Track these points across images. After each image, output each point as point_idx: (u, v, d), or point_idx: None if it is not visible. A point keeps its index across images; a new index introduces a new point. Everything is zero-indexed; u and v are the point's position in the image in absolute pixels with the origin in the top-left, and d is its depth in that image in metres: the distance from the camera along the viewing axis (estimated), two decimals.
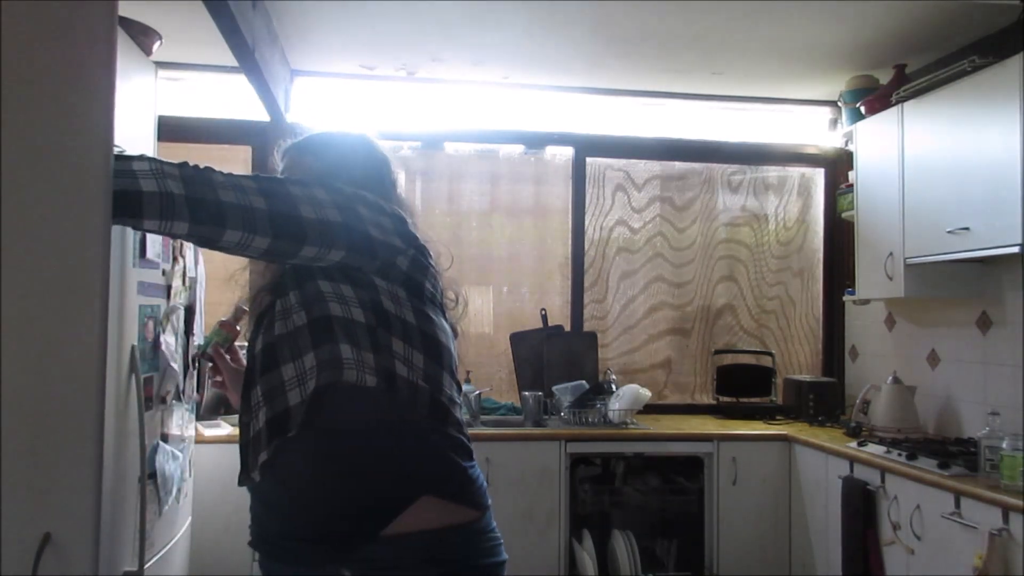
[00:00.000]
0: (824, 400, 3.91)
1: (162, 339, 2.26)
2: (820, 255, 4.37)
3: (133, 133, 2.58)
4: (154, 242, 2.21)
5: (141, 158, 1.25)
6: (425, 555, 1.29)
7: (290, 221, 1.28)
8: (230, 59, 2.93)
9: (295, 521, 1.33)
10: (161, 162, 1.25)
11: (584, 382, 3.83)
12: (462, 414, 1.45)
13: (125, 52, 2.52)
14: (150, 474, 2.19)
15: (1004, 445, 2.50)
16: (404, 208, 1.54)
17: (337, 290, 1.35)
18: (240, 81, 3.38)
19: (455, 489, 1.35)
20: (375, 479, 1.30)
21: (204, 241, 1.27)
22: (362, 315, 1.34)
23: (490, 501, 1.41)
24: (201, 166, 1.28)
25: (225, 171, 1.29)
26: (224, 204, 1.24)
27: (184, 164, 1.26)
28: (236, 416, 3.37)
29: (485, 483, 1.42)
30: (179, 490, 2.45)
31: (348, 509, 1.29)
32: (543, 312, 4.09)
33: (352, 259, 1.35)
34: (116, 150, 1.27)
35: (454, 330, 1.53)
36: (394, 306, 1.37)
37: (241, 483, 1.41)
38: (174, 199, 1.21)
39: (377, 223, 1.37)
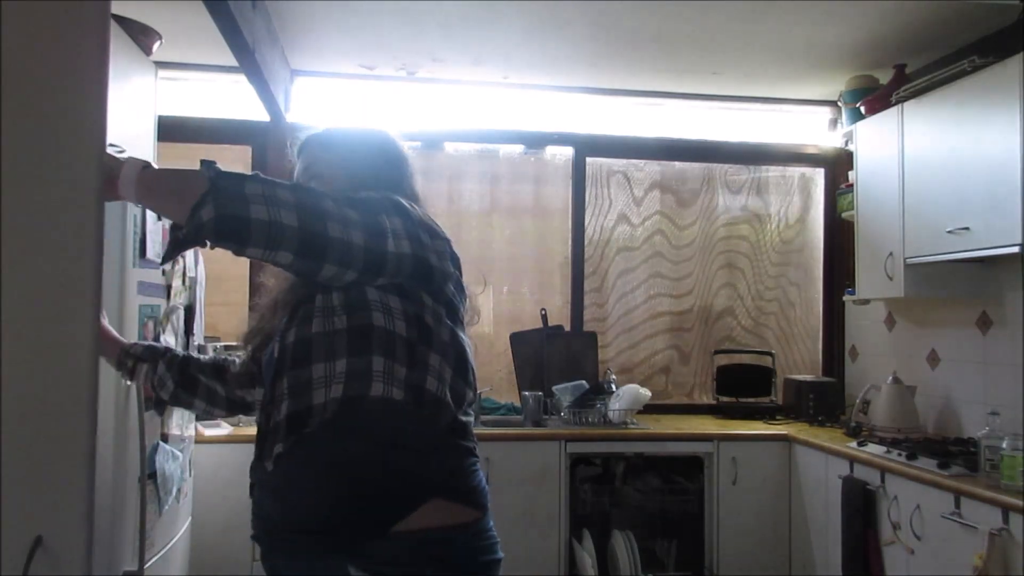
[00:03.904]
0: (824, 400, 3.91)
1: (162, 339, 2.26)
2: (820, 255, 4.36)
3: (133, 133, 2.58)
4: (154, 242, 2.21)
5: (253, 178, 1.23)
6: (427, 552, 1.31)
7: (378, 257, 1.31)
8: (230, 59, 2.93)
9: (303, 513, 1.34)
10: (273, 185, 1.23)
11: (584, 382, 3.83)
12: (473, 420, 1.49)
13: (125, 52, 2.52)
14: (150, 474, 2.19)
15: (1004, 445, 2.50)
16: (422, 205, 1.55)
17: (384, 300, 1.36)
18: (240, 81, 3.38)
19: (460, 491, 1.37)
20: (386, 483, 1.32)
21: (300, 273, 1.29)
22: (404, 328, 1.36)
23: (489, 502, 1.43)
24: (305, 187, 1.28)
25: (329, 196, 1.28)
26: (330, 239, 1.24)
27: (296, 189, 1.25)
28: (236, 416, 3.37)
29: (486, 484, 1.44)
30: (179, 490, 2.45)
31: (355, 507, 1.31)
32: (543, 312, 4.09)
33: (409, 283, 1.38)
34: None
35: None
36: (434, 323, 1.40)
37: (253, 470, 1.42)
38: (285, 230, 1.21)
39: (436, 249, 1.41)
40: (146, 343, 1.72)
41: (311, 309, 1.39)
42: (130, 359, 1.65)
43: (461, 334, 1.47)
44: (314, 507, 1.33)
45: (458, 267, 1.49)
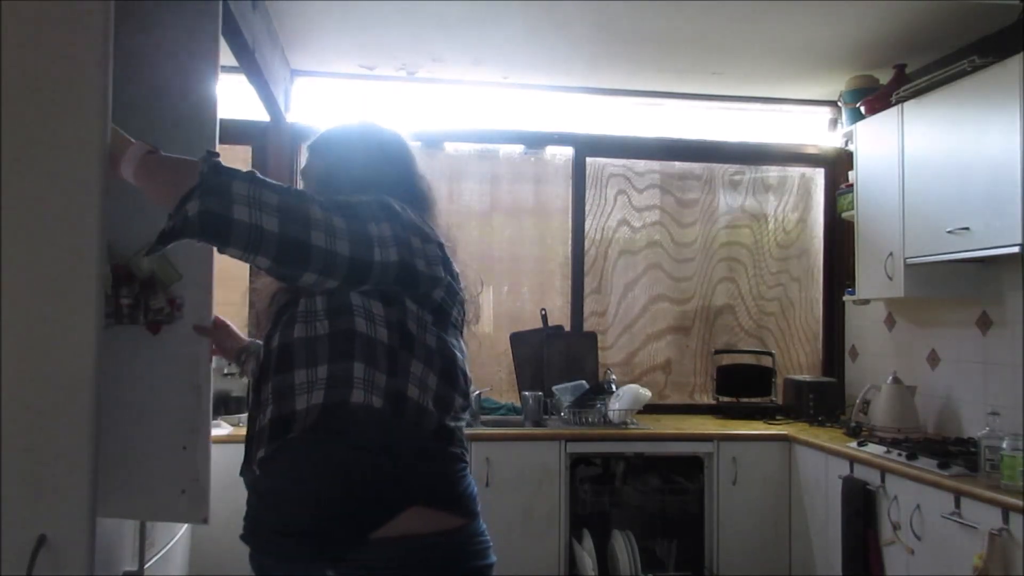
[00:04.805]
0: (824, 400, 3.91)
1: None
2: (820, 255, 4.36)
3: None
4: None
5: (244, 177, 1.22)
6: (411, 559, 1.31)
7: (363, 265, 1.29)
8: (230, 59, 2.93)
9: (285, 516, 1.35)
10: (261, 186, 1.21)
11: (584, 382, 3.83)
12: (465, 424, 1.47)
13: None
14: None
15: (1004, 445, 2.50)
16: (420, 193, 1.56)
17: (366, 305, 1.35)
18: (240, 81, 3.38)
19: (444, 498, 1.36)
20: (367, 489, 1.31)
21: (279, 278, 1.29)
22: (386, 335, 1.35)
23: (479, 507, 1.42)
24: (297, 191, 1.26)
25: (319, 203, 1.26)
26: (312, 247, 1.22)
27: (286, 192, 1.24)
28: (236, 416, 3.38)
29: (475, 489, 1.43)
30: None
31: (336, 512, 1.31)
32: (543, 312, 4.09)
33: (393, 288, 1.36)
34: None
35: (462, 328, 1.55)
36: (418, 329, 1.38)
37: (242, 474, 1.44)
38: (265, 234, 1.19)
39: (425, 254, 1.38)
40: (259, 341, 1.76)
41: (294, 313, 1.38)
42: (243, 353, 1.75)
43: (452, 340, 1.44)
44: (295, 511, 1.33)
45: (451, 272, 1.46)
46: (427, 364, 1.38)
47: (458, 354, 1.45)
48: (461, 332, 1.51)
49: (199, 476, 1.70)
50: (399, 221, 1.36)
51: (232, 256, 1.23)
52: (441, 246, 1.45)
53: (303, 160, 1.62)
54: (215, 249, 1.26)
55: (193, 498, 1.71)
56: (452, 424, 1.41)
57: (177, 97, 1.74)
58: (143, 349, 1.70)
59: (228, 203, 1.18)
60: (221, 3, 1.64)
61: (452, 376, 1.42)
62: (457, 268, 1.50)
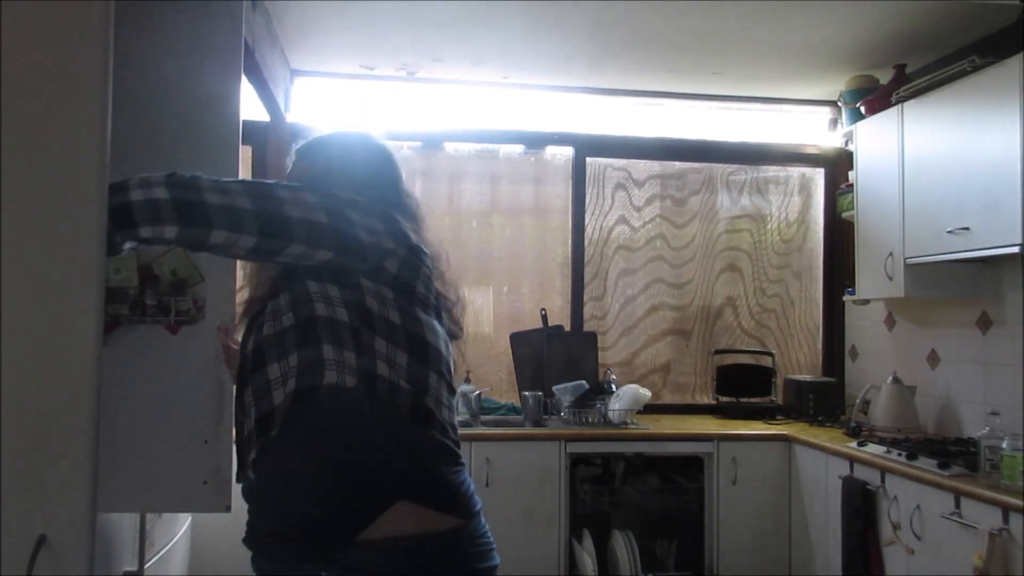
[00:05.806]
0: (824, 400, 3.91)
1: None
2: (820, 255, 4.36)
3: None
4: None
5: (136, 177, 1.27)
6: (404, 562, 1.29)
7: (276, 220, 1.29)
8: None
9: (278, 517, 1.35)
10: (150, 175, 1.27)
11: (584, 382, 3.83)
12: (454, 415, 1.43)
13: None
14: None
15: (1004, 445, 2.50)
16: (406, 208, 1.54)
17: (323, 290, 1.36)
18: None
19: (436, 496, 1.34)
20: (350, 481, 1.30)
21: (194, 244, 1.29)
22: (346, 315, 1.35)
23: (479, 506, 1.40)
24: (188, 175, 1.29)
25: (212, 177, 1.30)
26: (209, 205, 1.25)
27: (172, 173, 1.28)
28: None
29: (472, 488, 1.41)
30: None
31: (324, 510, 1.30)
32: (543, 312, 4.09)
33: (340, 260, 1.36)
34: None
35: (457, 332, 1.54)
36: (379, 306, 1.37)
37: (238, 480, 1.45)
38: (159, 204, 1.24)
39: (366, 226, 1.37)
40: None
41: (263, 316, 1.41)
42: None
43: (420, 315, 1.41)
44: (285, 513, 1.34)
45: (408, 244, 1.42)
46: (390, 341, 1.35)
47: (428, 332, 1.41)
48: (436, 310, 1.47)
49: (220, 468, 1.79)
50: (330, 196, 1.37)
51: (147, 238, 1.26)
52: (388, 219, 1.42)
53: (289, 164, 1.62)
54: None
55: (215, 489, 1.80)
56: (431, 406, 1.37)
57: (200, 99, 1.83)
58: (169, 348, 1.79)
59: (125, 191, 1.24)
60: (244, 3, 1.67)
61: (422, 352, 1.39)
62: (427, 249, 1.48)
